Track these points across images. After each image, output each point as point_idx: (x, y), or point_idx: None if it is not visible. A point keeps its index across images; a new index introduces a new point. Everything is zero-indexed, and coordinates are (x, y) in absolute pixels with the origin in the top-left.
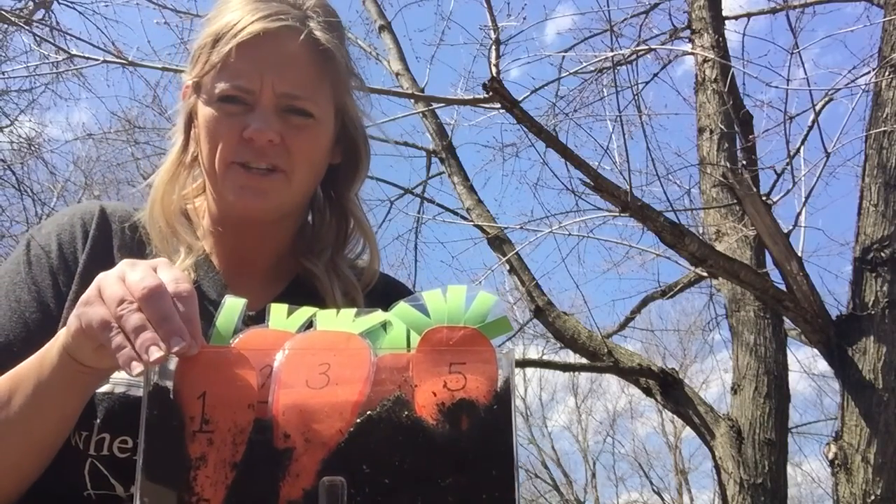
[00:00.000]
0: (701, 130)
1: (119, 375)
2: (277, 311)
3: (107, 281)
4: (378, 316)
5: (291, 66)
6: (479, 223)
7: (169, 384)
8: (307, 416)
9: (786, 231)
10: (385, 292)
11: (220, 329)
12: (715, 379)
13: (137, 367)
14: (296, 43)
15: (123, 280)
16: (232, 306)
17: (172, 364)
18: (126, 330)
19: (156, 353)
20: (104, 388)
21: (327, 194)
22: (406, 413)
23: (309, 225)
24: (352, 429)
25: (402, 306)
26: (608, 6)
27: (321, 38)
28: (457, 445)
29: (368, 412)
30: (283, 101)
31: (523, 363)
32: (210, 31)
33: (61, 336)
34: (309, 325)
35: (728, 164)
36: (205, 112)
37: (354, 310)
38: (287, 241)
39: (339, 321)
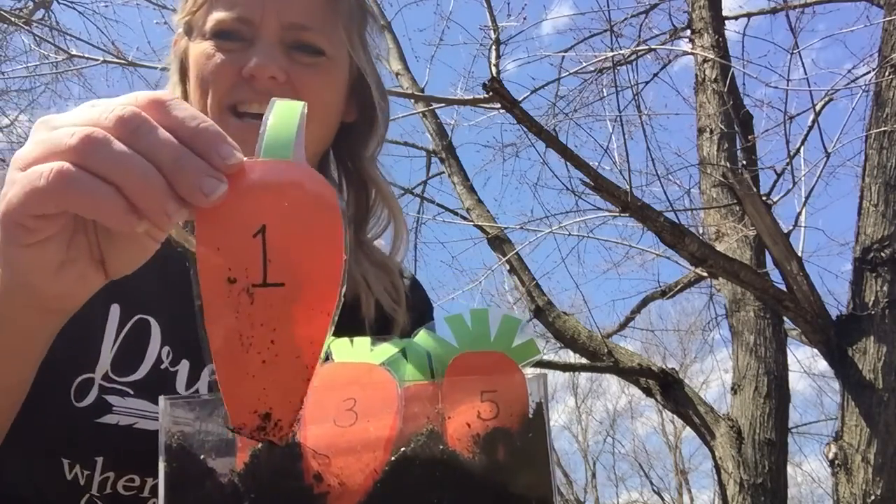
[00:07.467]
0: (701, 130)
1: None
2: None
3: (53, 123)
4: (396, 343)
5: None
6: (479, 223)
7: (186, 429)
8: (339, 456)
9: (786, 231)
10: (411, 303)
11: (272, 138)
12: (715, 379)
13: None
14: None
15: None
16: (287, 108)
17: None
18: (127, 171)
19: (219, 188)
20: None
21: (342, 161)
22: (441, 447)
23: None
24: (387, 468)
25: (423, 334)
26: (608, 6)
27: None
28: (494, 477)
29: (403, 449)
30: (289, 33)
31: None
32: None
33: None
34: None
35: (728, 164)
36: (196, 51)
37: (369, 338)
38: None
39: (356, 351)
